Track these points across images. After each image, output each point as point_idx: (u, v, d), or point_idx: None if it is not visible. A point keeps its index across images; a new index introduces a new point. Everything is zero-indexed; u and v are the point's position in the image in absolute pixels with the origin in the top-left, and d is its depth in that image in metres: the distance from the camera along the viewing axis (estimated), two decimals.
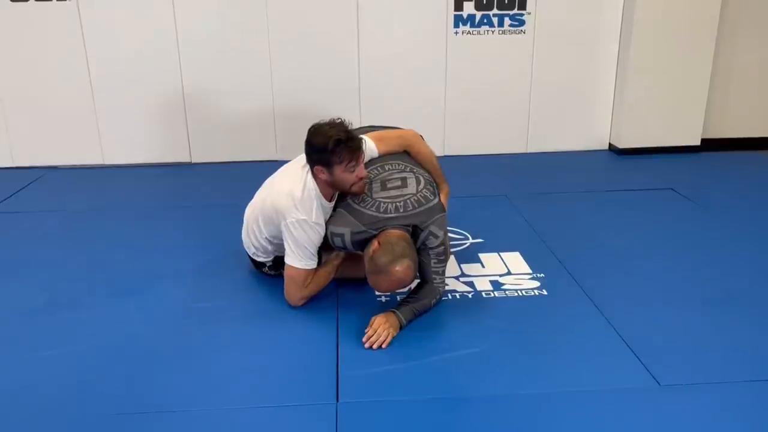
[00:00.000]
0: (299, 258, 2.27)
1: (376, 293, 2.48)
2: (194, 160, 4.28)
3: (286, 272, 2.32)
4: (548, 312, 2.37)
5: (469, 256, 2.83)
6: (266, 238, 2.42)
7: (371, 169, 2.38)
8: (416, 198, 2.29)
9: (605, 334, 2.21)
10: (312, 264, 2.31)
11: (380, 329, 2.16)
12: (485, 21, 4.14)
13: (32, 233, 3.15)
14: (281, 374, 2.01)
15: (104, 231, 3.16)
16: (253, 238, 2.48)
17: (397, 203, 2.27)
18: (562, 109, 4.39)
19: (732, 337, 2.19)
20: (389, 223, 2.24)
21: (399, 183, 2.34)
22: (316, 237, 2.27)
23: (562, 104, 4.37)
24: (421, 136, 2.61)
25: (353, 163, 2.21)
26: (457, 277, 2.62)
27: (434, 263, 2.32)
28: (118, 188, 3.86)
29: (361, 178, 2.25)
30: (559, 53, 4.24)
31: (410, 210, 2.26)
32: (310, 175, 2.27)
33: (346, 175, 2.21)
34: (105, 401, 1.88)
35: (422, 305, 2.29)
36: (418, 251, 2.29)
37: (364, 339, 2.14)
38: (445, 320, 2.31)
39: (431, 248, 2.30)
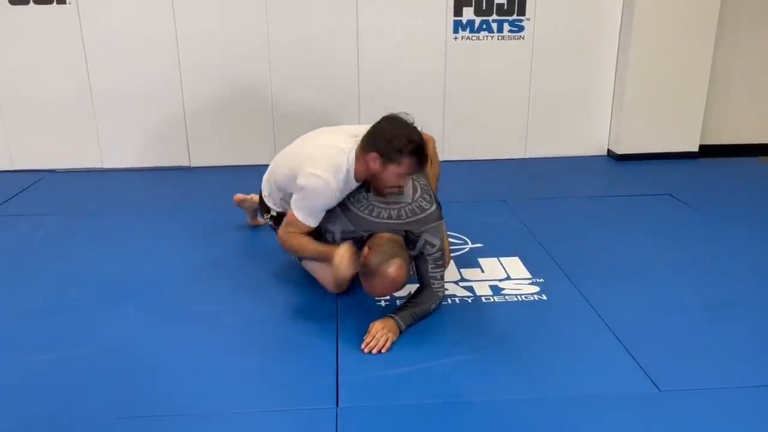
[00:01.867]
0: (298, 209, 2.25)
1: (375, 298, 2.47)
2: (193, 164, 4.28)
3: (286, 216, 2.33)
4: (548, 317, 2.38)
5: (468, 260, 2.83)
6: (281, 197, 2.46)
7: None
8: (411, 207, 2.28)
9: (605, 339, 2.21)
10: (309, 222, 2.27)
11: (379, 334, 2.16)
12: (484, 26, 4.16)
13: (31, 236, 3.15)
14: (281, 379, 2.01)
15: (103, 234, 3.16)
16: (272, 184, 2.52)
17: (391, 210, 2.27)
18: (561, 114, 4.40)
19: (731, 342, 2.19)
20: (380, 228, 2.25)
21: None
22: (325, 200, 2.23)
23: (561, 110, 4.39)
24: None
25: (407, 175, 2.19)
26: (456, 282, 2.63)
27: (432, 268, 2.32)
28: (116, 192, 3.86)
29: (400, 187, 2.24)
30: (558, 59, 4.26)
31: (403, 219, 2.26)
32: (354, 150, 2.21)
33: (394, 178, 2.18)
34: (104, 405, 1.88)
35: (422, 310, 2.29)
36: (417, 257, 2.30)
37: (363, 344, 2.14)
38: (445, 325, 2.31)
39: (429, 255, 2.30)
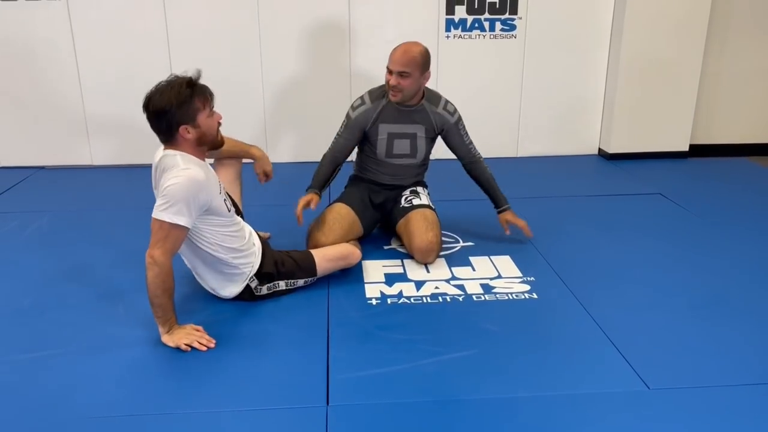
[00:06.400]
0: (166, 210, 2.03)
1: (367, 296, 2.48)
2: None
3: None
4: (538, 316, 2.38)
5: (459, 259, 2.83)
6: (206, 245, 2.23)
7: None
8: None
9: (595, 338, 2.22)
10: (180, 221, 2.05)
11: (519, 221, 2.94)
12: (476, 25, 4.16)
13: (19, 234, 3.12)
14: (271, 377, 2.00)
15: (92, 232, 3.13)
16: (201, 263, 2.31)
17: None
18: (552, 113, 4.41)
19: (720, 341, 2.20)
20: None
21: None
22: (192, 189, 2.06)
23: (552, 109, 4.40)
24: None
25: (211, 106, 2.15)
26: (447, 281, 2.63)
27: (465, 136, 2.96)
28: (106, 189, 3.83)
29: (220, 123, 2.21)
30: (550, 58, 4.27)
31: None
32: (176, 151, 2.11)
33: (211, 120, 2.15)
34: (93, 404, 1.86)
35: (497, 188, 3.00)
36: (447, 136, 2.93)
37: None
38: (436, 323, 2.31)
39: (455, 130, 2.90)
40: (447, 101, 2.91)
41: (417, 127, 2.84)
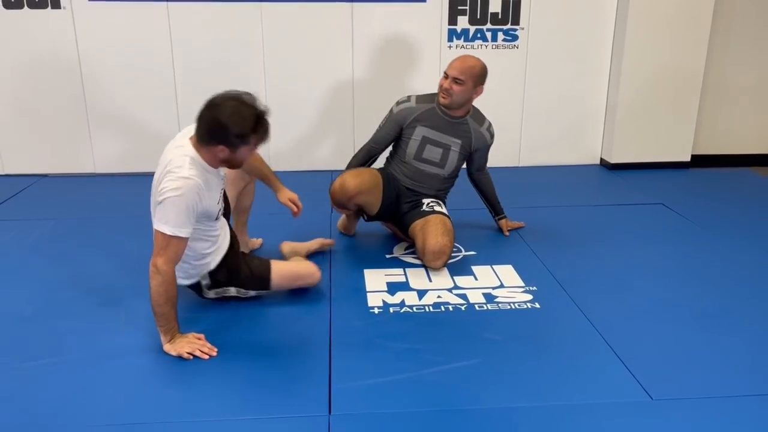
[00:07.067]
0: (167, 224, 2.04)
1: (369, 305, 2.47)
2: None
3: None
4: (541, 325, 2.38)
5: (461, 268, 2.83)
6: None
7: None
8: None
9: (597, 348, 2.21)
10: (180, 233, 2.06)
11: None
12: (479, 35, 4.18)
13: (22, 241, 3.12)
14: (273, 386, 2.00)
15: (95, 239, 3.14)
16: None
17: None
18: (554, 123, 4.42)
19: (723, 351, 2.20)
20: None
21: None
22: (191, 199, 2.06)
23: (554, 119, 4.41)
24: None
25: (258, 146, 2.17)
26: (449, 290, 2.63)
27: (486, 156, 3.03)
28: (109, 197, 3.84)
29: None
30: (552, 68, 4.28)
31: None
32: (191, 147, 2.13)
33: (247, 154, 2.17)
34: (94, 412, 1.86)
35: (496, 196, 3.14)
36: (471, 155, 3.00)
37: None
38: (438, 332, 2.30)
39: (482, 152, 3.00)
40: (490, 123, 2.99)
41: (454, 141, 2.90)
